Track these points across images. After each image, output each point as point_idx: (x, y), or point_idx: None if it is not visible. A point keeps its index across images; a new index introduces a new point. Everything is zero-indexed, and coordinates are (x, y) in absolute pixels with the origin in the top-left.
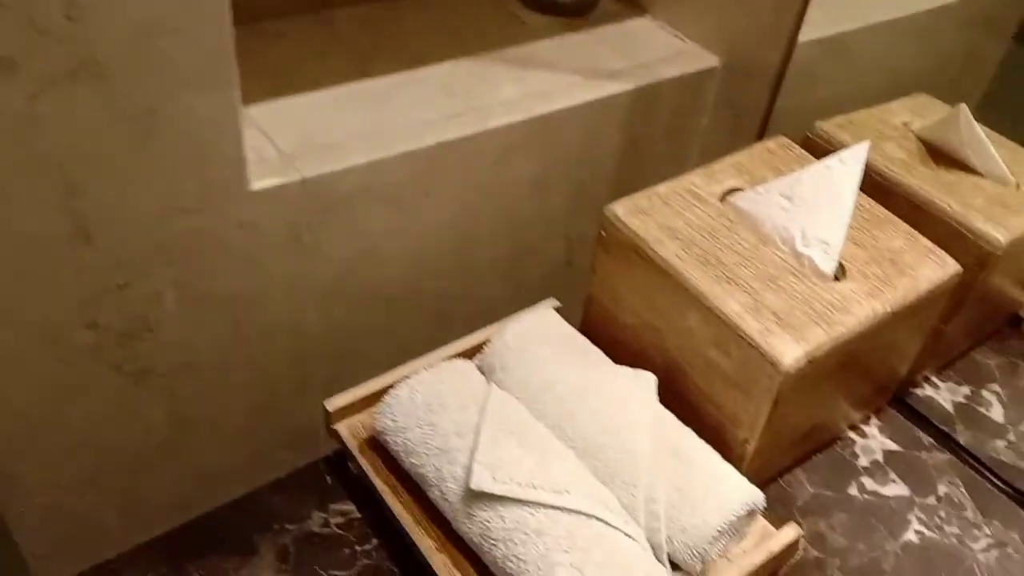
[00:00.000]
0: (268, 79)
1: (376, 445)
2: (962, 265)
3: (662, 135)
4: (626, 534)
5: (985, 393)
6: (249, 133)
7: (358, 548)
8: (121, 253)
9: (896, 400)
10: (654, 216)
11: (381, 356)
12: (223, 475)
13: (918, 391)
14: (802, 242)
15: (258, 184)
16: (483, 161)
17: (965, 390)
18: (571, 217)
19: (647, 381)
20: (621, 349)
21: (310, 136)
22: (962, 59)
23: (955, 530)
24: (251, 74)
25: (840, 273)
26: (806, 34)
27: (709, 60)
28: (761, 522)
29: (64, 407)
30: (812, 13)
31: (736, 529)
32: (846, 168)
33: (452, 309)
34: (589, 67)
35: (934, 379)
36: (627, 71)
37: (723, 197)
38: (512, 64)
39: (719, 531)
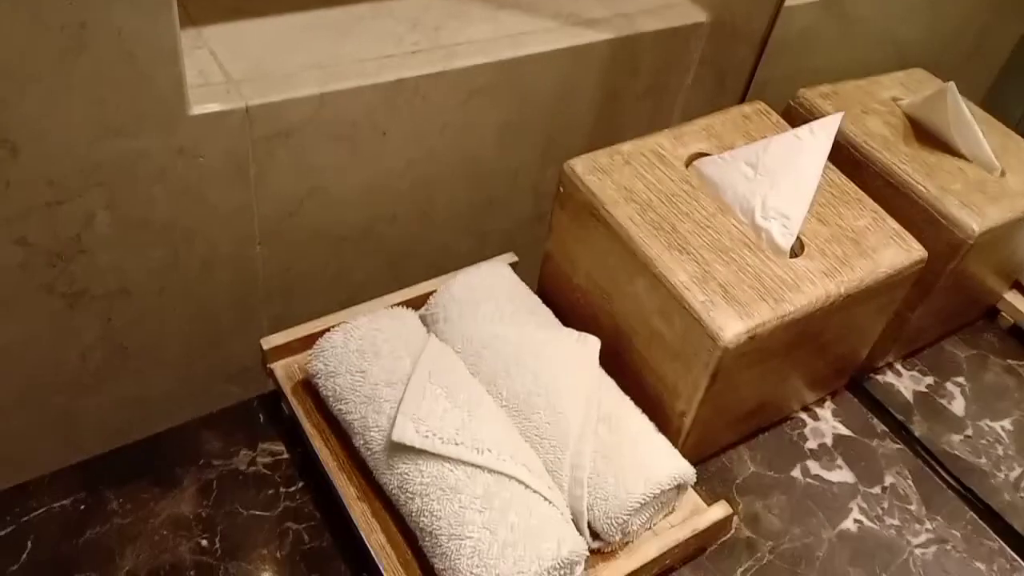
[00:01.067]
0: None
1: (310, 388)
2: (933, 252)
3: (642, 91)
4: (545, 498)
5: (949, 385)
6: (199, 54)
7: (282, 490)
8: (50, 170)
9: (854, 384)
10: (613, 176)
11: (331, 300)
12: (160, 404)
13: (879, 377)
14: (762, 214)
15: (199, 109)
16: (446, 103)
17: (929, 380)
18: (541, 170)
19: (590, 345)
20: (572, 311)
21: (262, 62)
22: (974, 38)
23: (895, 522)
24: None
25: (798, 249)
26: None
27: (696, 15)
28: (693, 497)
29: None
30: None
31: (663, 502)
32: (815, 140)
33: (410, 257)
34: (569, 12)
35: (898, 366)
36: (608, 20)
37: (689, 161)
38: (488, 2)
39: (641, 503)
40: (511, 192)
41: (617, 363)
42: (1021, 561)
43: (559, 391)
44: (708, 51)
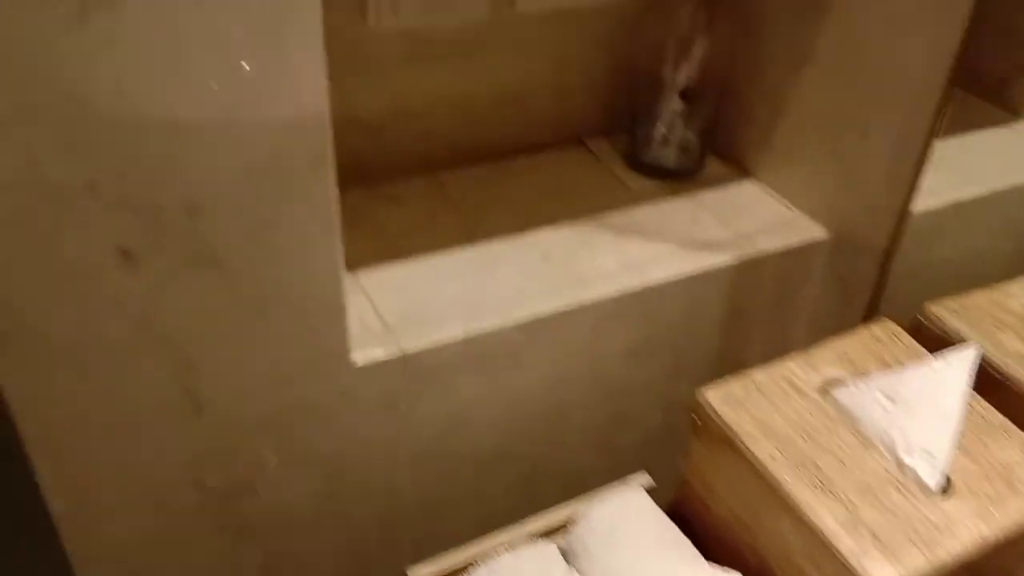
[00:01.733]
0: (380, 244)
1: None
2: None
3: (767, 305)
4: None
5: None
6: (356, 300)
7: None
8: (229, 421)
9: None
10: (750, 408)
11: (470, 519)
12: None
13: None
14: (905, 449)
15: (361, 358)
16: (578, 332)
17: None
18: (669, 384)
19: None
20: (713, 541)
21: (414, 306)
22: None
23: None
24: (365, 239)
25: (947, 486)
26: (922, 203)
27: (816, 232)
28: None
29: (165, 559)
30: (930, 180)
31: None
32: (952, 371)
33: (543, 475)
34: (691, 236)
35: None
36: (730, 241)
37: (823, 388)
38: (614, 231)
39: None
40: (641, 408)
41: None
42: None
43: None
44: (831, 264)
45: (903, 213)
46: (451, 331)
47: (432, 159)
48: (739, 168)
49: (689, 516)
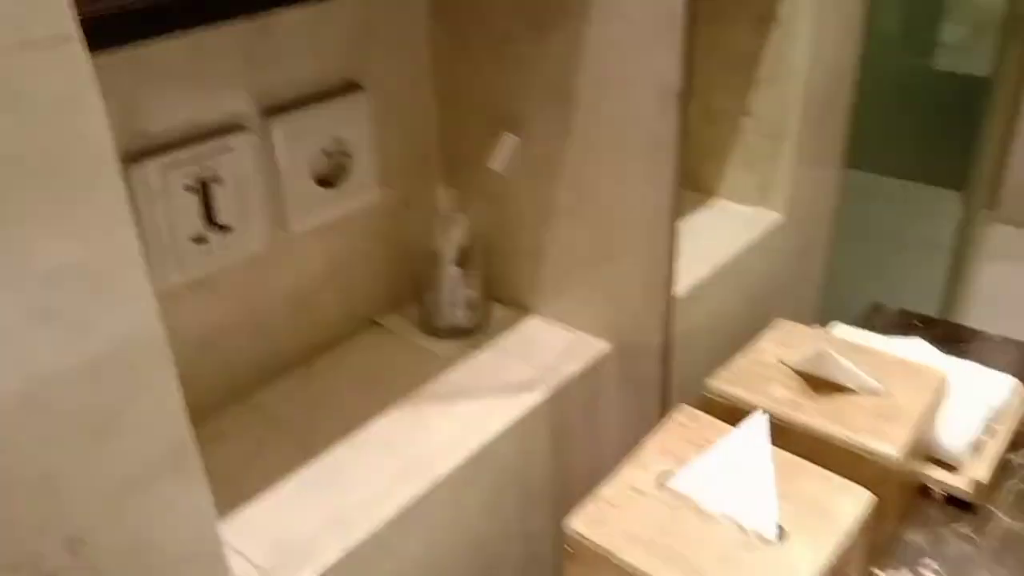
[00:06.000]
0: (226, 487)
1: None
2: (868, 480)
3: (581, 420)
4: None
5: (922, 569)
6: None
7: None
8: None
9: None
10: (610, 523)
11: None
12: None
13: None
14: (741, 515)
15: None
16: (441, 507)
17: (905, 573)
18: (524, 521)
19: None
20: None
21: (282, 542)
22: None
23: None
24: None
25: (781, 533)
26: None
27: (601, 346)
28: None
29: None
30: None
31: None
32: (752, 437)
33: None
34: (506, 382)
35: (876, 571)
36: (538, 376)
37: (658, 482)
38: (438, 400)
39: None
40: (506, 551)
41: None
42: None
43: None
44: (622, 369)
45: (668, 314)
46: (327, 556)
47: (240, 383)
48: (521, 309)
49: None
